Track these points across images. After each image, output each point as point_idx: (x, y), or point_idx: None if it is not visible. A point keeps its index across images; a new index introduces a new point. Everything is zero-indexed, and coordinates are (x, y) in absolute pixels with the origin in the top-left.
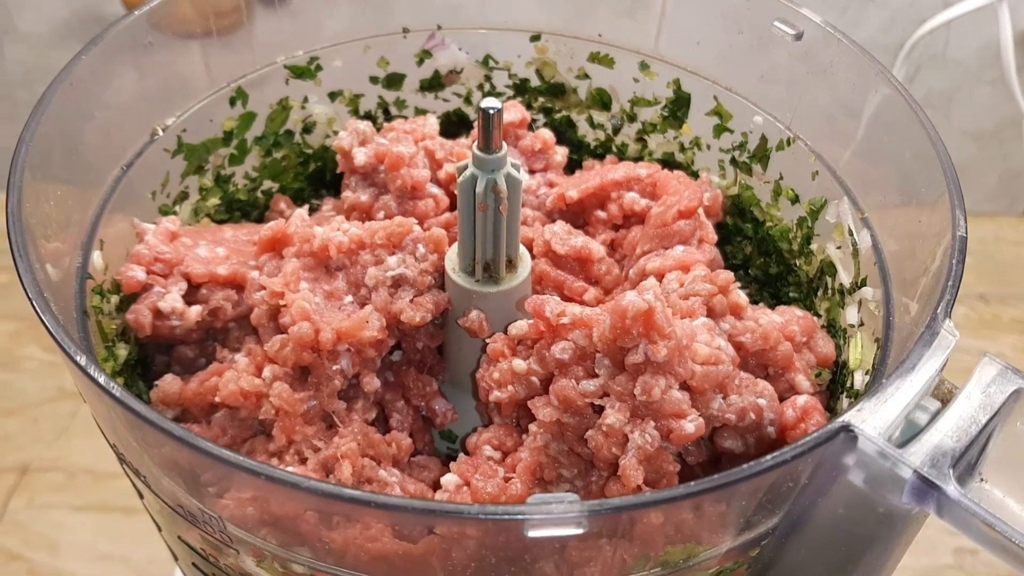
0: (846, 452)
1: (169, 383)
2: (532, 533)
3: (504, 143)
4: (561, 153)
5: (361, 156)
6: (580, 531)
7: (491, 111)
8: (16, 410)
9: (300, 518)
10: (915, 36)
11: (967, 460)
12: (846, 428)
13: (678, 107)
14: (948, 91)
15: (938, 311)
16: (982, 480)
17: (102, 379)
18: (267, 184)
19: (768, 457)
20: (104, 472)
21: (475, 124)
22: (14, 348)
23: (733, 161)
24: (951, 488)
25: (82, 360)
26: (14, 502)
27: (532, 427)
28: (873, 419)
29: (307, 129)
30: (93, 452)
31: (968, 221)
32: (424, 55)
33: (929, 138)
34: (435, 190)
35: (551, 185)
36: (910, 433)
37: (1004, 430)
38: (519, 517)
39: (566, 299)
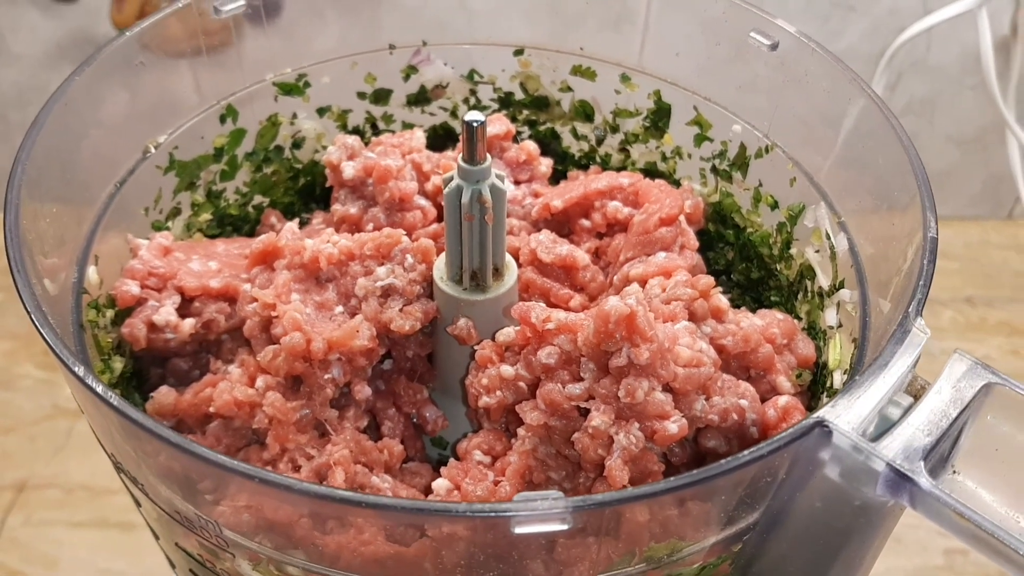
0: (821, 447)
1: (164, 395)
2: (519, 529)
3: (488, 155)
4: (546, 164)
5: (350, 170)
6: (565, 527)
7: (475, 124)
8: (12, 428)
9: (294, 522)
10: (896, 43)
11: (939, 453)
12: (821, 423)
13: (659, 117)
14: (930, 97)
15: (909, 309)
16: (955, 472)
17: (100, 388)
18: (258, 199)
19: (745, 452)
20: (101, 488)
21: (460, 136)
22: (9, 366)
23: (714, 169)
24: (923, 480)
25: (80, 370)
26: (12, 519)
27: (520, 431)
28: (847, 414)
29: (296, 144)
30: (90, 469)
31: (954, 225)
32: (410, 71)
33: (901, 143)
34: (422, 202)
35: (536, 195)
36: (883, 427)
37: (975, 423)
38: (505, 514)
39: (552, 306)
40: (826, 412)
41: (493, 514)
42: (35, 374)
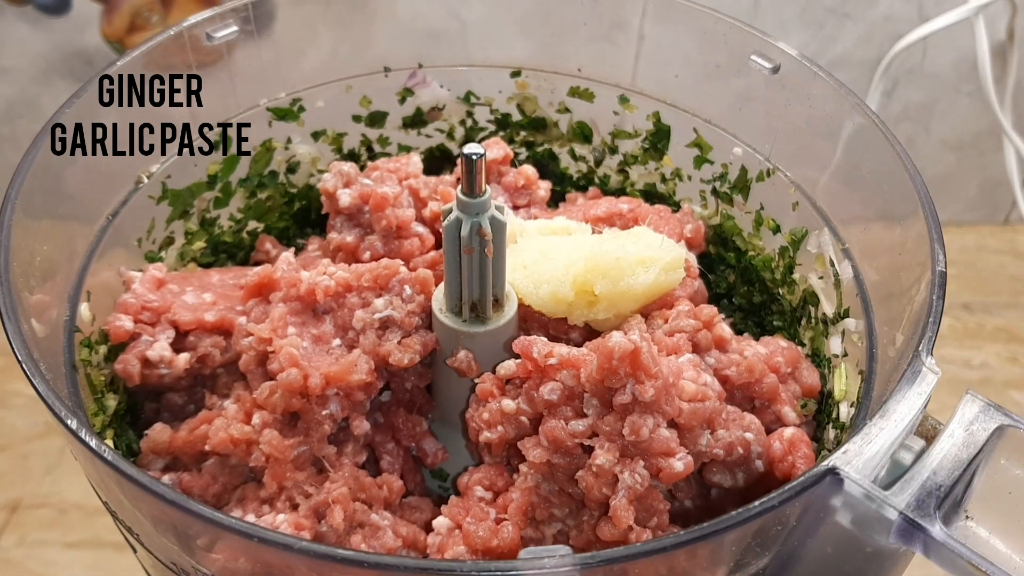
0: (833, 494)
1: (159, 432)
2: None
3: (488, 186)
4: (544, 187)
5: (346, 198)
6: None
7: (474, 157)
8: (5, 446)
9: (292, 569)
10: (893, 51)
11: (953, 498)
12: (832, 471)
13: (658, 139)
14: (927, 104)
15: (920, 348)
16: (968, 518)
17: (93, 443)
18: (252, 225)
19: (756, 503)
20: (95, 508)
21: (458, 162)
22: (2, 384)
23: (714, 191)
24: (936, 529)
25: (73, 424)
26: (5, 540)
27: (522, 467)
28: (858, 461)
29: (291, 169)
30: (84, 488)
31: (950, 231)
32: (406, 93)
33: (907, 170)
34: (420, 229)
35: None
36: (896, 473)
37: (988, 467)
38: (512, 572)
39: (552, 336)
40: (837, 459)
41: (499, 572)
42: (27, 391)
